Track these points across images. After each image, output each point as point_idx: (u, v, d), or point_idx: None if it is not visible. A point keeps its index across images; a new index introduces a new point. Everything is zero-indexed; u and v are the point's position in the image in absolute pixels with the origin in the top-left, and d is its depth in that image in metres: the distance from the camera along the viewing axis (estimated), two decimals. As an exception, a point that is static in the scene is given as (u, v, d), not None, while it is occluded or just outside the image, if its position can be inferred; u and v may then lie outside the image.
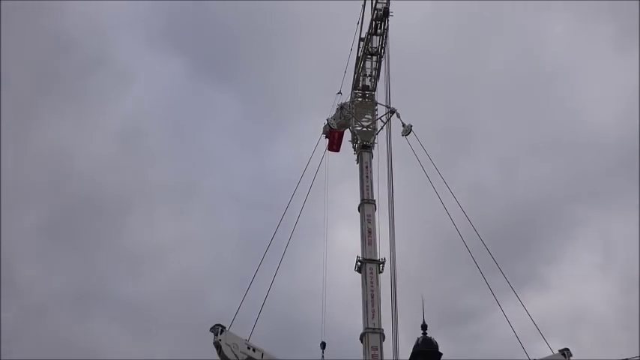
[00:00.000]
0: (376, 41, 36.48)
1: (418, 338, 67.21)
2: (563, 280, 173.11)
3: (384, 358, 32.16)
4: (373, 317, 32.32)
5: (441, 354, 66.96)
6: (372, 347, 31.68)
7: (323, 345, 34.70)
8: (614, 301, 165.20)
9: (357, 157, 36.69)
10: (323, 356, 34.68)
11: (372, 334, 31.86)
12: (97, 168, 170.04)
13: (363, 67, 36.89)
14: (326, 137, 36.27)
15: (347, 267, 34.88)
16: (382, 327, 32.51)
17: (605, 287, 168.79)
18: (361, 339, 32.54)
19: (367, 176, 35.90)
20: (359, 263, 34.21)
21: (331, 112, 36.33)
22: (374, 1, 35.79)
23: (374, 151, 36.57)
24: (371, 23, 36.10)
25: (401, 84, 37.96)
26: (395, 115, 35.83)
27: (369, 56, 36.53)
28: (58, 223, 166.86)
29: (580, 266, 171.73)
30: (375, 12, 35.51)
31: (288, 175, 37.39)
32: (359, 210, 35.86)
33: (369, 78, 37.31)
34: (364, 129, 36.91)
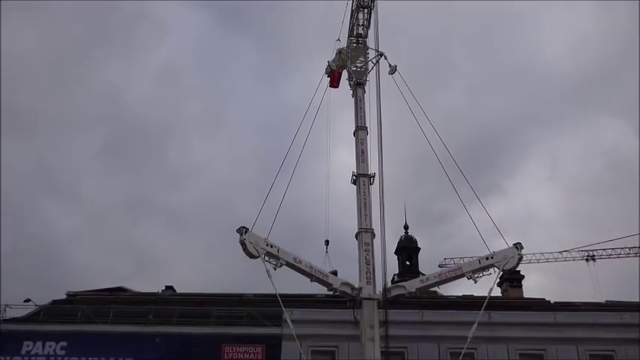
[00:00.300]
0: (366, -4, 37.40)
1: (401, 236, 70.02)
2: (518, 190, 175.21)
3: (374, 252, 33.97)
4: (365, 220, 33.77)
5: (419, 248, 69.43)
6: (364, 243, 33.32)
7: (327, 242, 36.79)
8: (558, 206, 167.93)
9: (353, 92, 37.43)
10: (327, 251, 36.77)
11: (364, 232, 33.40)
12: (143, 102, 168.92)
13: (357, 18, 37.43)
14: (328, 76, 37.20)
15: (345, 180, 35.88)
16: (372, 227, 33.93)
17: (551, 195, 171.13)
18: (356, 237, 33.76)
19: (360, 107, 36.95)
20: (354, 177, 35.23)
21: (332, 55, 37.51)
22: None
23: (366, 87, 37.26)
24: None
25: (388, 31, 38.77)
26: (383, 57, 36.84)
27: (361, 9, 37.05)
28: (113, 147, 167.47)
29: (532, 178, 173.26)
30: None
31: (297, 107, 38.69)
32: (354, 135, 36.97)
33: (362, 27, 37.87)
34: (358, 69, 37.43)
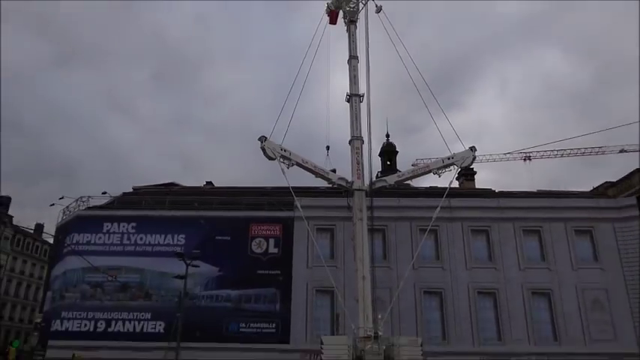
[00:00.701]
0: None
1: (384, 142, 71.61)
2: (474, 105, 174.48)
3: (363, 154, 35.48)
4: (356, 129, 34.82)
5: (397, 152, 71.06)
6: (356, 148, 34.58)
7: (327, 148, 37.82)
8: (504, 118, 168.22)
9: (347, 28, 37.12)
10: (328, 154, 37.86)
11: (356, 140, 34.56)
12: (183, 37, 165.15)
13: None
14: (327, 15, 36.63)
15: (341, 99, 36.78)
16: (362, 135, 35.21)
17: (500, 109, 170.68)
18: (349, 143, 34.86)
19: (353, 41, 36.90)
20: (348, 96, 36.00)
21: (331, -2, 36.18)
22: None
23: (358, 24, 36.83)
24: None
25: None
26: (370, -1, 36.50)
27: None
28: (160, 75, 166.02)
29: (485, 96, 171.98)
30: None
31: (303, 40, 38.85)
32: (348, 63, 37.13)
33: (354, -26, 37.01)
34: (351, 9, 36.79)
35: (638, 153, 60.69)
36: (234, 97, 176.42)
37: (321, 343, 31.01)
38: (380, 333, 30.45)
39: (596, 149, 54.62)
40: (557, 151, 55.93)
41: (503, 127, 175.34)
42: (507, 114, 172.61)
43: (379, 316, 31.36)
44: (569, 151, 55.34)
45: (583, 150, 55.21)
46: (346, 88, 36.50)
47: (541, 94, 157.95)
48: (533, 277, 39.70)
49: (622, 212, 40.99)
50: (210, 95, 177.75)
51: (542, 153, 57.36)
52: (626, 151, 59.02)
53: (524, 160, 58.08)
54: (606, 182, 46.28)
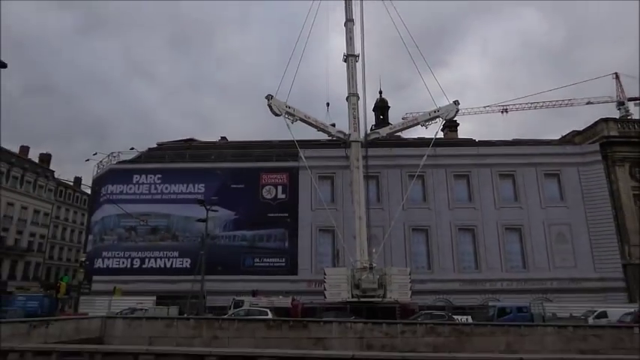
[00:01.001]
0: None
1: (377, 99, 69.82)
2: (458, 63, 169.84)
3: (359, 109, 34.79)
4: (352, 87, 34.32)
5: (389, 107, 69.61)
6: (352, 104, 34.34)
7: (327, 104, 37.13)
8: (485, 74, 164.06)
9: None
10: (328, 110, 37.23)
11: (352, 96, 34.24)
12: (195, 6, 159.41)
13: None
14: None
15: (339, 59, 35.77)
16: (357, 92, 34.51)
17: (481, 66, 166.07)
18: (347, 99, 34.67)
19: (349, 6, 36.09)
20: (344, 57, 35.38)
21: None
22: None
23: None
24: None
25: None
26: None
27: None
28: (176, 40, 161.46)
29: (468, 54, 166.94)
30: None
31: (305, 5, 37.01)
32: (345, 25, 36.27)
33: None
34: None
35: (603, 104, 59.82)
36: (244, 59, 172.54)
37: (324, 274, 31.58)
38: (374, 265, 30.93)
39: (566, 101, 53.44)
40: (532, 103, 54.84)
41: (483, 83, 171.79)
42: (488, 71, 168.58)
43: (373, 251, 31.75)
44: (541, 103, 54.28)
45: (554, 102, 54.02)
46: (342, 49, 35.66)
47: (519, 52, 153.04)
48: (507, 215, 39.82)
49: (586, 157, 40.66)
50: (222, 58, 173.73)
51: (517, 106, 56.32)
52: (592, 103, 57.95)
53: (502, 112, 57.10)
54: (573, 131, 45.61)
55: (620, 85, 60.80)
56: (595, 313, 27.18)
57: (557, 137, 47.77)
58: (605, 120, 42.16)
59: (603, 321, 25.01)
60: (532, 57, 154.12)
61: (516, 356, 9.17)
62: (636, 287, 36.09)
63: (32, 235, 56.58)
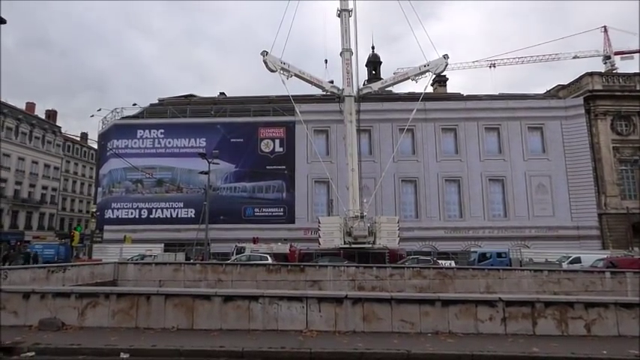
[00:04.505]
0: None
1: (370, 54, 67.63)
2: (449, 16, 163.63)
3: (352, 65, 33.79)
4: (346, 42, 33.06)
5: (381, 62, 67.72)
6: (345, 59, 33.18)
7: (325, 61, 36.20)
8: (475, 28, 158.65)
9: None
10: (326, 67, 36.31)
11: (345, 51, 33.02)
12: None
13: None
14: None
15: (334, 16, 34.27)
16: (351, 47, 33.30)
17: (471, 20, 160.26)
18: (340, 55, 33.54)
19: None
20: (338, 11, 33.89)
21: None
22: None
23: None
24: None
25: None
26: None
27: None
28: None
29: (459, 6, 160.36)
30: None
31: None
32: None
33: None
34: None
35: (590, 58, 58.40)
36: (239, 12, 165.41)
37: (319, 223, 32.00)
38: (365, 214, 31.28)
39: (553, 55, 52.04)
40: (519, 58, 53.33)
41: (475, 36, 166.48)
42: (479, 23, 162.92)
43: (365, 201, 31.99)
44: (529, 58, 52.83)
45: (541, 57, 52.62)
46: (337, 4, 33.96)
47: (510, 4, 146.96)
48: (491, 167, 39.89)
49: (569, 111, 40.17)
50: (217, 10, 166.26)
51: (505, 60, 54.79)
52: (579, 57, 56.51)
53: (490, 67, 55.61)
54: (558, 85, 44.76)
55: (608, 39, 59.12)
56: (569, 259, 27.83)
57: (543, 91, 46.95)
58: (591, 74, 41.17)
59: (577, 266, 25.53)
60: (523, 9, 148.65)
61: (495, 296, 9.42)
62: (610, 235, 36.97)
63: (44, 188, 56.52)
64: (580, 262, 26.98)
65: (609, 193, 38.12)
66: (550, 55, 53.40)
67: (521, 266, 27.98)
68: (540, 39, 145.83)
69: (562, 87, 43.92)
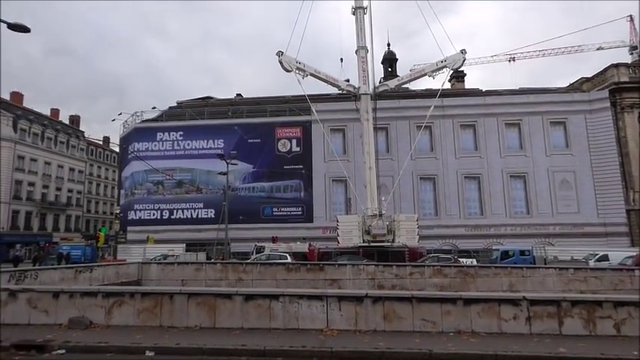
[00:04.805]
0: None
1: (385, 51, 67.23)
2: (467, 10, 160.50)
3: (368, 63, 33.62)
4: (361, 40, 32.98)
5: (397, 59, 67.22)
6: (361, 57, 33.12)
7: (341, 60, 36.36)
8: (494, 22, 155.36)
9: None
10: (342, 66, 36.40)
11: (361, 49, 32.99)
12: None
13: None
14: None
15: (349, 14, 34.15)
16: (366, 45, 33.20)
17: (491, 14, 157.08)
18: (356, 52, 33.48)
19: None
20: (353, 9, 33.77)
21: None
22: None
23: None
24: None
25: None
26: None
27: None
28: None
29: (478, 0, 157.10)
30: None
31: None
32: None
33: None
34: None
35: (614, 50, 56.45)
36: (253, 13, 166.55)
37: (337, 222, 31.98)
38: (383, 212, 31.11)
39: (576, 47, 50.38)
40: (540, 51, 51.83)
41: (494, 30, 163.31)
42: (497, 17, 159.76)
43: (383, 199, 31.83)
44: (550, 50, 51.23)
45: (563, 49, 51.04)
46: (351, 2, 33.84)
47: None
48: (512, 163, 39.04)
49: (593, 104, 38.98)
50: (230, 11, 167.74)
51: (525, 54, 53.38)
52: (603, 49, 54.66)
53: (509, 61, 54.21)
54: (582, 78, 43.44)
55: (635, 29, 56.95)
56: (596, 257, 26.97)
57: (565, 85, 45.68)
58: (616, 65, 39.64)
59: (604, 264, 24.78)
60: (544, 1, 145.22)
61: (519, 295, 9.23)
62: (639, 232, 35.72)
63: (70, 191, 58.11)
64: (607, 260, 26.13)
65: (637, 188, 36.82)
66: (573, 46, 51.87)
67: (545, 264, 27.37)
68: (562, 30, 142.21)
69: (586, 80, 42.65)
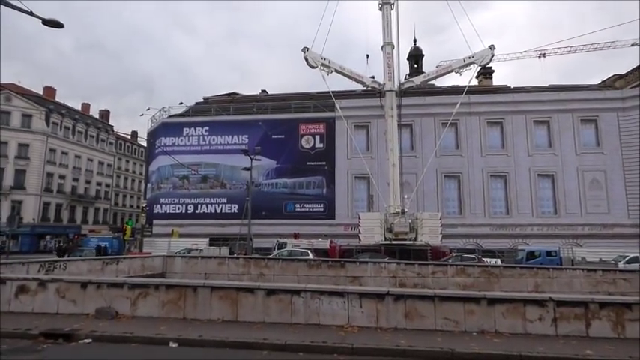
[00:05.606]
0: None
1: (411, 47, 66.27)
2: (497, 5, 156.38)
3: (394, 59, 33.32)
4: (387, 36, 32.75)
5: (423, 55, 66.07)
6: (387, 53, 32.90)
7: (367, 56, 35.94)
8: (524, 17, 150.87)
9: None
10: (367, 62, 36.16)
11: (387, 45, 32.71)
12: None
13: None
14: None
15: (376, 10, 33.83)
16: (392, 41, 32.89)
17: (520, 8, 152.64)
18: (382, 49, 33.22)
19: None
20: (380, 5, 33.50)
21: None
22: None
23: None
24: None
25: None
26: None
27: None
28: None
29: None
30: None
31: None
32: None
33: None
34: None
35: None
36: (279, 9, 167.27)
37: (359, 219, 31.88)
38: (406, 210, 30.82)
39: (608, 44, 48.25)
40: (571, 47, 49.86)
41: (524, 24, 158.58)
42: (527, 12, 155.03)
43: (406, 197, 31.54)
44: (582, 46, 49.25)
45: (595, 45, 48.93)
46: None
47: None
48: (540, 162, 38.07)
49: (626, 102, 37.56)
50: (256, 8, 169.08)
51: (556, 50, 51.45)
52: (637, 45, 52.35)
53: (539, 57, 52.30)
54: (615, 75, 41.92)
55: (671, 24, 54.33)
56: (626, 258, 26.12)
57: (597, 82, 44.09)
58: (651, 62, 38.39)
59: (634, 266, 23.88)
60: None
61: (545, 295, 8.99)
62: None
63: (99, 184, 59.91)
64: (638, 262, 25.21)
65: (673, 189, 35.30)
66: (605, 42, 49.76)
67: (572, 265, 26.61)
68: (595, 26, 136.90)
69: (619, 77, 41.16)
